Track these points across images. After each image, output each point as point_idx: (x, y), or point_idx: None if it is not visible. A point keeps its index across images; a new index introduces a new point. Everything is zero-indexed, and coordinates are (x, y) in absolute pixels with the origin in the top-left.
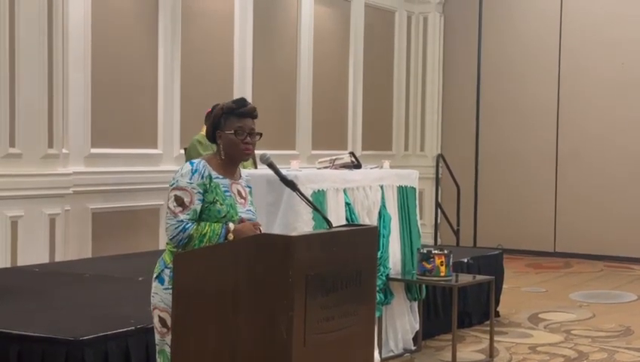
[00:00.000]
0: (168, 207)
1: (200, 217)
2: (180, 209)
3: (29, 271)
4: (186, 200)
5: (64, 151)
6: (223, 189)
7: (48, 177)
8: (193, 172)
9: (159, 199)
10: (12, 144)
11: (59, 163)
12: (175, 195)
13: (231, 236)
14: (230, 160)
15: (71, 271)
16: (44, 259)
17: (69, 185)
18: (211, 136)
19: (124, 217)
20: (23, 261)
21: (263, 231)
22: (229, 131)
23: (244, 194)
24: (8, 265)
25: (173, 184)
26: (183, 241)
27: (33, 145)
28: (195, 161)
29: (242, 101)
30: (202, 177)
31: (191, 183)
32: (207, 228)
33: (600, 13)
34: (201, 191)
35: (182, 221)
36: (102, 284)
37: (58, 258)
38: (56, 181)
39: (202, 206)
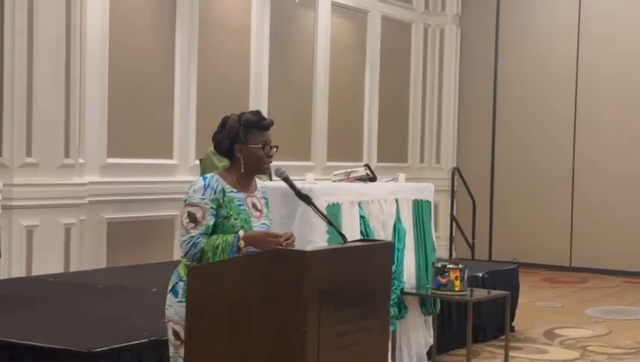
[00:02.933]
0: (182, 223)
1: (215, 232)
2: (192, 225)
3: (44, 281)
4: (198, 216)
5: (80, 161)
6: (237, 203)
7: (64, 187)
8: (205, 188)
9: (174, 209)
10: (29, 154)
11: (75, 173)
12: (188, 212)
13: (242, 243)
14: (250, 173)
15: (85, 281)
16: (59, 268)
17: (85, 194)
18: (227, 149)
19: (139, 227)
20: (37, 271)
21: (280, 236)
22: (255, 145)
23: (259, 207)
24: (23, 275)
25: (187, 200)
26: (196, 256)
27: (50, 155)
28: (208, 176)
29: (260, 113)
30: (215, 192)
31: (203, 199)
32: (219, 239)
33: (618, 26)
34: (214, 206)
35: (193, 236)
36: (116, 295)
37: (73, 268)
38: (72, 191)
39: (216, 221)
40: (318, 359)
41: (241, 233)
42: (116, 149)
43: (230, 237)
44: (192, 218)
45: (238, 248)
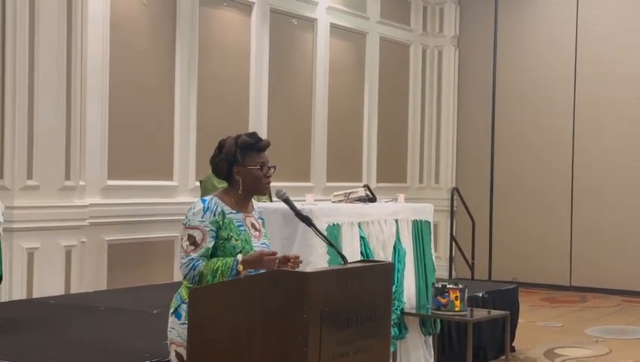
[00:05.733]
0: (182, 246)
1: (216, 254)
2: (192, 248)
3: (45, 303)
4: (198, 238)
5: (81, 183)
6: (237, 224)
7: (65, 209)
8: (205, 210)
9: (174, 231)
10: (30, 176)
11: (75, 195)
12: (188, 234)
13: (240, 267)
14: (249, 194)
15: (86, 303)
16: (60, 290)
17: (86, 216)
18: (225, 172)
19: (139, 249)
20: (38, 293)
21: (275, 254)
22: (253, 166)
23: (257, 227)
24: (24, 297)
25: (186, 223)
26: (195, 278)
27: (50, 177)
28: (207, 198)
29: (257, 135)
30: (214, 214)
31: (203, 221)
32: (218, 263)
33: (615, 46)
34: (214, 228)
35: (192, 259)
36: (117, 317)
37: (73, 289)
38: (72, 213)
39: (217, 243)
40: None
41: (239, 257)
42: (117, 171)
43: (230, 261)
44: (191, 240)
45: (237, 272)
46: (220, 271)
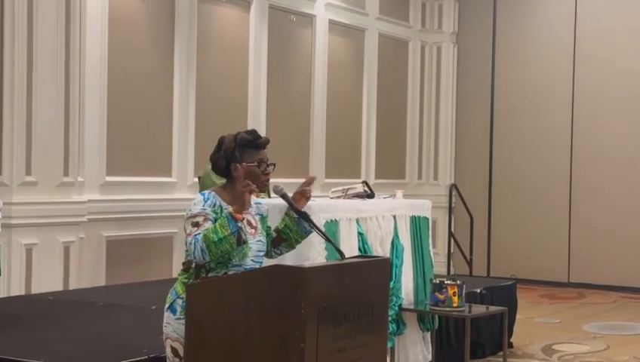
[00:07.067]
0: (186, 239)
1: None
2: (195, 229)
3: (43, 299)
4: (200, 221)
5: (79, 179)
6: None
7: (63, 205)
8: (205, 200)
9: (173, 227)
10: (28, 172)
11: (74, 191)
12: (191, 222)
13: (231, 208)
14: None
15: (85, 299)
16: (59, 286)
17: (84, 212)
18: (224, 169)
19: (138, 245)
20: (37, 289)
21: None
22: (251, 163)
23: (254, 224)
24: (23, 293)
25: (188, 214)
26: (202, 249)
27: (49, 174)
28: (206, 192)
29: (256, 132)
30: (214, 205)
31: (204, 209)
32: (215, 224)
33: (614, 45)
34: (213, 217)
35: (194, 236)
36: (115, 313)
37: (72, 285)
38: (71, 209)
39: None
40: None
41: (227, 209)
42: (115, 167)
43: (221, 219)
44: (194, 224)
45: (234, 218)
46: (218, 225)
